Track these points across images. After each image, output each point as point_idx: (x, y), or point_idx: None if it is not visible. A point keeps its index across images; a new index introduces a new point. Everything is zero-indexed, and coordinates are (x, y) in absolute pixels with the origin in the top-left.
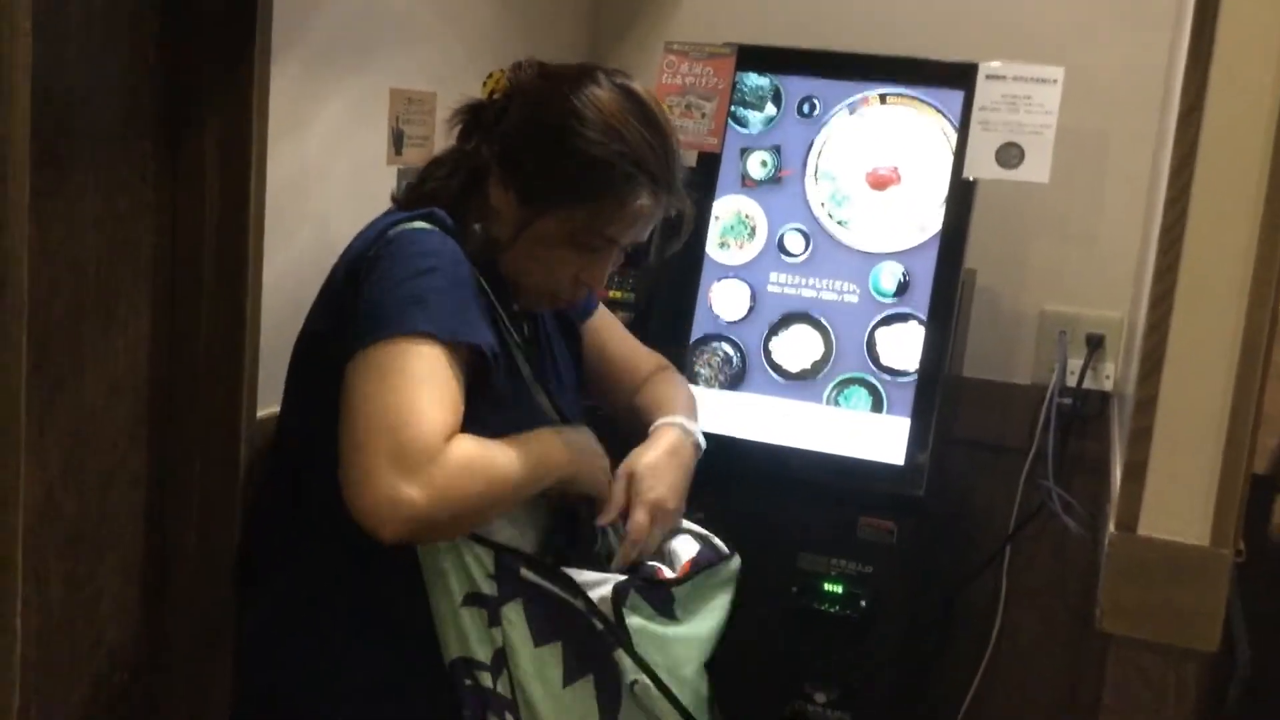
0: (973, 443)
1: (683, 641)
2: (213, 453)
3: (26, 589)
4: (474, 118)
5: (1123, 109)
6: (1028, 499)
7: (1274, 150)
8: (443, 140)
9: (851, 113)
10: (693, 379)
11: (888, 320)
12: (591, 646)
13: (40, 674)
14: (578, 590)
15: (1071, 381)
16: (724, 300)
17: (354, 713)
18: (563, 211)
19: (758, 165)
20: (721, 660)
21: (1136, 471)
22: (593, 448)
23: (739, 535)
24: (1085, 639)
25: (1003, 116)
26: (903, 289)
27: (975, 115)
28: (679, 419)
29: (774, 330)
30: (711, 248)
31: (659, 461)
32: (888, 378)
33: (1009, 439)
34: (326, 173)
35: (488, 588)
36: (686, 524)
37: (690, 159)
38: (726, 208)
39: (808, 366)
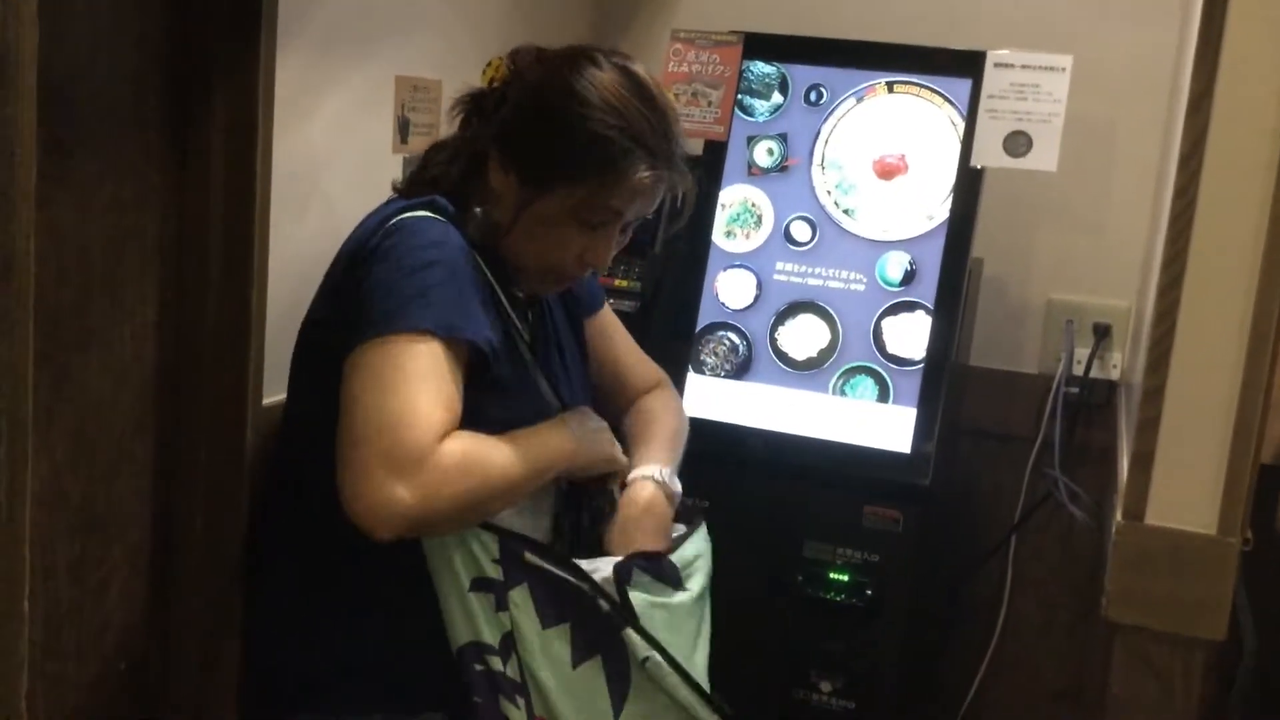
0: (979, 432)
1: (685, 608)
2: (219, 439)
3: (33, 576)
4: (474, 105)
5: (1131, 97)
6: (1034, 488)
7: None
8: (448, 128)
9: (859, 101)
10: (699, 368)
11: (894, 309)
12: (599, 627)
13: (48, 659)
14: (582, 573)
15: (1078, 370)
16: (730, 289)
17: (361, 698)
18: (563, 189)
19: (764, 154)
20: (727, 649)
21: (1144, 460)
22: (593, 425)
23: (745, 524)
24: (1091, 628)
25: (1011, 105)
26: (909, 278)
27: (983, 103)
28: (653, 471)
29: (780, 319)
30: (718, 236)
31: (637, 520)
32: (894, 367)
33: (1015, 428)
34: (332, 160)
35: (494, 572)
36: None
37: (697, 147)
38: (733, 196)
39: (814, 355)
